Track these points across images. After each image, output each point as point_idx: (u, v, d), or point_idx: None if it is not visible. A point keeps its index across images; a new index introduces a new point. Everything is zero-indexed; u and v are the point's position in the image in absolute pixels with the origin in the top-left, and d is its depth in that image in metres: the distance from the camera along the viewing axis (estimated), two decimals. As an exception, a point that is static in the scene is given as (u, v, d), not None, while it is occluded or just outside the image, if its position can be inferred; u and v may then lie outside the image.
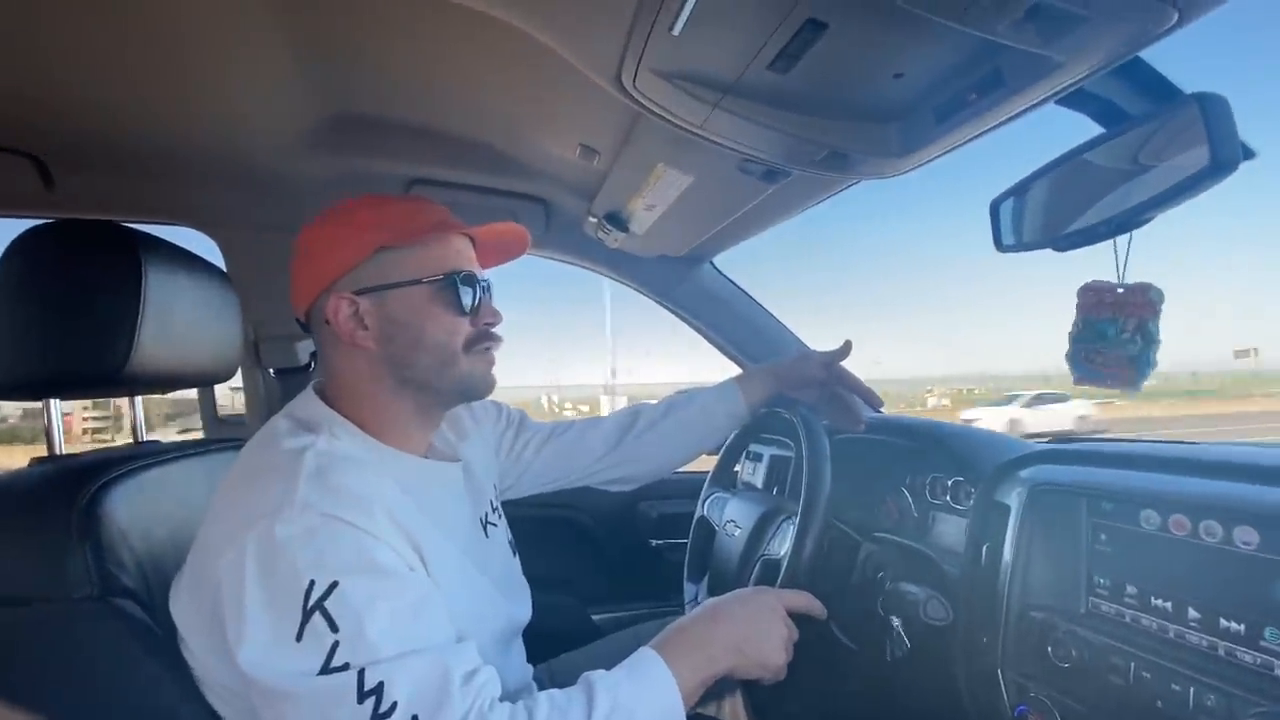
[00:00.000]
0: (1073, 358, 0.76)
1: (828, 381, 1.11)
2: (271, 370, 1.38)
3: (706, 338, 1.65)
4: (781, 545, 1.07)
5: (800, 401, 1.09)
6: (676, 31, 0.61)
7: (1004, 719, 0.81)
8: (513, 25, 0.72)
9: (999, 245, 0.88)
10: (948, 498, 1.12)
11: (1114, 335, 0.72)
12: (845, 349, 1.12)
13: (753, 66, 0.65)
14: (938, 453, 1.15)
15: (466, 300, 0.75)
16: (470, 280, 0.75)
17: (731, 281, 1.61)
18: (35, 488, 0.72)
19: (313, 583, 0.56)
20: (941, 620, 0.88)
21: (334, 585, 0.56)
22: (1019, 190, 0.85)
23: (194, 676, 0.68)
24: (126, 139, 1.10)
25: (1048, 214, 0.80)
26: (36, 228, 0.77)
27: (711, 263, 1.58)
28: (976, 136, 0.73)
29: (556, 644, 1.13)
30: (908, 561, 1.03)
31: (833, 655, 1.13)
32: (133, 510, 0.73)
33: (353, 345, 0.73)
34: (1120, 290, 0.69)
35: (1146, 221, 0.68)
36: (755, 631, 0.75)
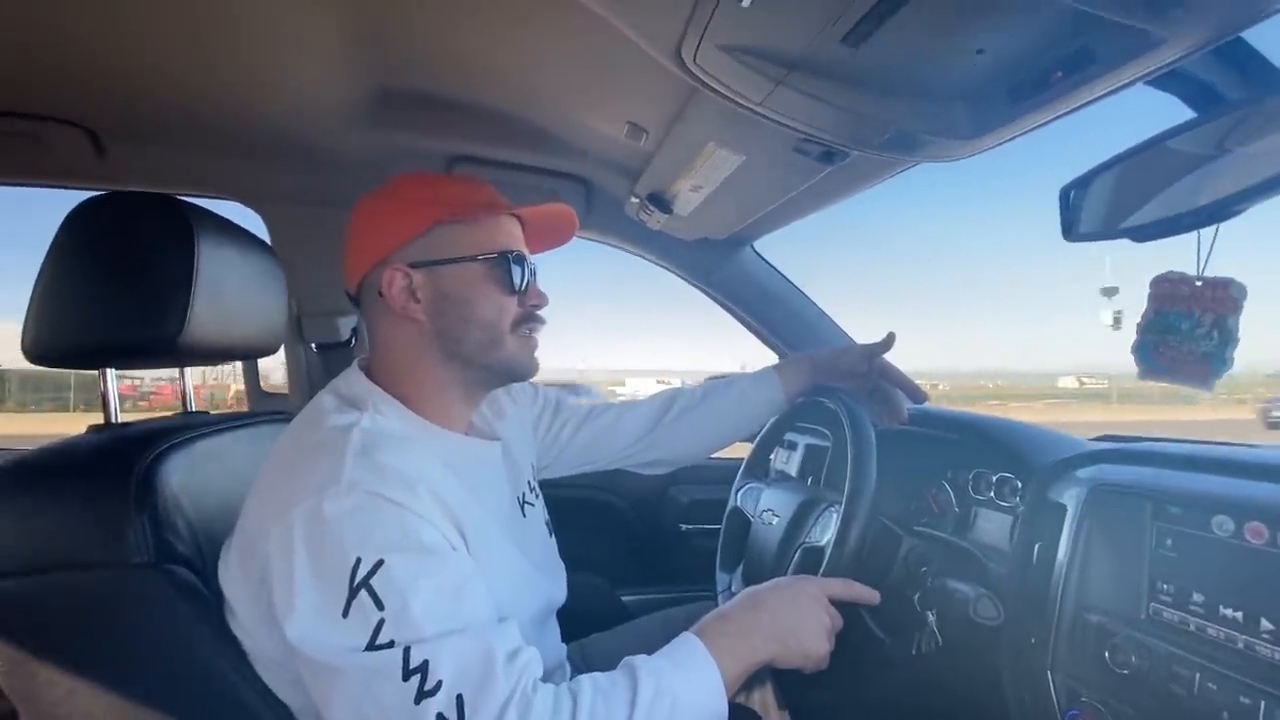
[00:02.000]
0: (1140, 349, 0.73)
1: (869, 374, 1.09)
2: (314, 345, 1.39)
3: (744, 324, 1.62)
4: (824, 533, 1.05)
5: (841, 390, 1.07)
6: (747, 3, 0.59)
7: None
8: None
9: (1068, 234, 0.84)
10: (991, 494, 1.10)
11: (1188, 330, 0.69)
12: (889, 341, 1.10)
13: (824, 40, 0.62)
14: (982, 447, 1.12)
15: (517, 279, 0.75)
16: (521, 260, 0.76)
17: (773, 266, 1.58)
18: (94, 455, 0.73)
19: (359, 560, 0.56)
20: (993, 620, 0.86)
21: (380, 563, 0.57)
22: (1093, 177, 0.81)
23: (242, 647, 0.69)
24: (176, 111, 1.11)
25: (1125, 202, 0.76)
26: (93, 198, 0.78)
27: (752, 246, 1.55)
28: (1052, 120, 0.70)
29: (587, 624, 1.14)
30: (951, 557, 1.01)
31: (866, 648, 1.12)
32: (185, 480, 0.75)
33: (405, 317, 0.74)
34: (1199, 284, 0.66)
35: (1238, 214, 0.64)
36: (798, 620, 0.75)
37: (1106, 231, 0.78)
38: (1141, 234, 0.73)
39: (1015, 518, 1.00)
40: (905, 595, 1.01)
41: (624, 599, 1.64)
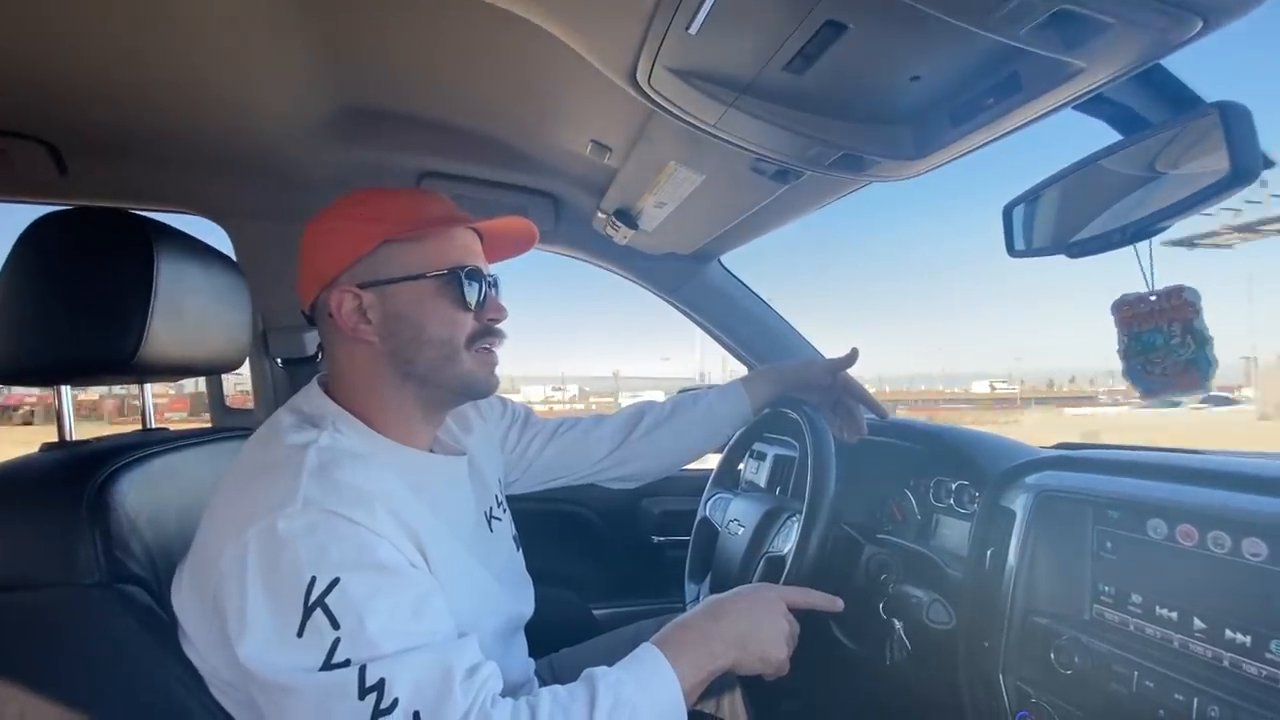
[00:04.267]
0: (1131, 374, 0.75)
1: (834, 388, 1.12)
2: (279, 360, 1.38)
3: (713, 336, 1.64)
4: (786, 543, 1.07)
5: (805, 401, 1.10)
6: (694, 30, 0.61)
7: None
8: (528, 21, 0.72)
9: (1011, 250, 0.88)
10: (951, 501, 1.13)
11: (1164, 343, 0.70)
12: (852, 356, 1.12)
13: (769, 67, 0.65)
14: (942, 456, 1.15)
15: (470, 295, 0.74)
16: (475, 275, 0.75)
17: (739, 280, 1.61)
18: (47, 474, 0.72)
19: (314, 579, 0.56)
20: (944, 624, 0.89)
21: (335, 582, 0.56)
22: (1032, 195, 0.84)
23: (196, 669, 0.68)
24: (140, 126, 1.10)
25: (1061, 220, 0.80)
26: (50, 215, 0.78)
27: (719, 261, 1.58)
28: (992, 141, 0.73)
29: (558, 638, 1.13)
30: (911, 564, 1.03)
31: (833, 656, 1.13)
32: (141, 498, 0.74)
33: (356, 339, 0.73)
34: (1154, 298, 0.69)
35: (1163, 229, 0.67)
36: (756, 627, 0.76)
37: (1044, 248, 0.82)
38: (1078, 250, 0.76)
39: (972, 524, 1.02)
40: (870, 603, 1.02)
41: (595, 612, 1.64)
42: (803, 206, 1.14)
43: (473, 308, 0.75)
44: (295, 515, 0.58)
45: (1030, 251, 0.86)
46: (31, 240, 0.76)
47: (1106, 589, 0.76)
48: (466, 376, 0.76)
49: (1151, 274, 0.71)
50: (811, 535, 0.94)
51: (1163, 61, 0.61)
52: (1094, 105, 0.67)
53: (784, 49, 0.61)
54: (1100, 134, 0.72)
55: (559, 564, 1.65)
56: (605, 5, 0.64)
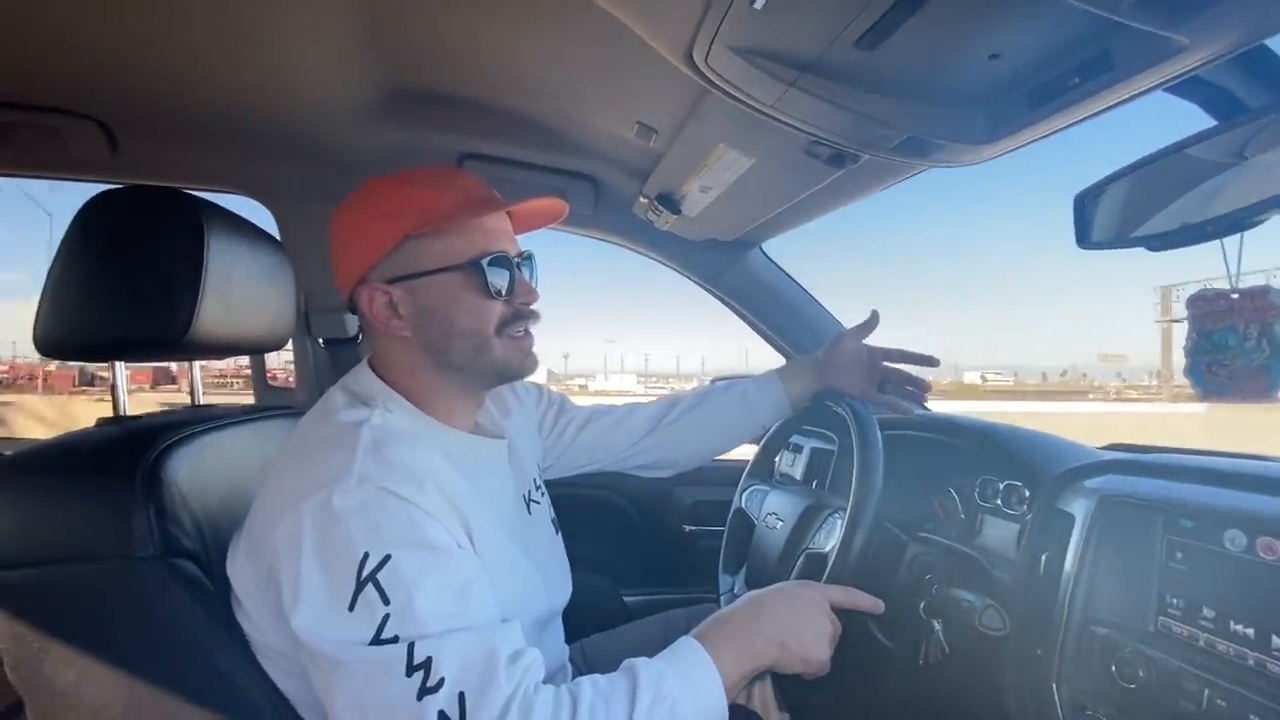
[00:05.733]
0: (1193, 372, 0.71)
1: (872, 362, 1.08)
2: (321, 340, 1.39)
3: (752, 325, 1.61)
4: (828, 540, 1.04)
5: (847, 392, 1.07)
6: (760, 5, 0.58)
7: None
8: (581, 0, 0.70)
9: (1082, 242, 0.83)
10: (998, 501, 1.08)
11: (1236, 345, 0.67)
12: (873, 320, 1.09)
13: (838, 43, 0.61)
14: (990, 454, 1.11)
15: (496, 283, 0.73)
16: (500, 261, 0.74)
17: (781, 269, 1.57)
18: (102, 449, 0.74)
19: (367, 554, 0.57)
20: (999, 630, 0.86)
21: (387, 558, 0.57)
22: (1108, 184, 0.80)
23: (247, 638, 0.69)
24: (190, 105, 1.11)
25: (1140, 211, 0.75)
26: (103, 193, 0.79)
27: (761, 248, 1.54)
28: (1070, 125, 0.68)
29: (588, 623, 1.14)
30: (956, 565, 1.00)
31: (867, 653, 1.11)
32: (192, 473, 0.75)
33: (389, 334, 0.74)
34: (1234, 296, 0.64)
35: (1259, 223, 0.63)
36: (799, 626, 0.74)
37: (1121, 240, 0.77)
38: (1157, 243, 0.72)
39: (1022, 526, 0.99)
40: (909, 602, 1.00)
41: (626, 599, 1.64)
42: (854, 192, 1.10)
43: (500, 295, 0.74)
44: (350, 491, 0.59)
45: (1105, 244, 0.81)
46: (87, 218, 0.77)
47: (1175, 601, 0.72)
48: (500, 363, 0.76)
49: (1238, 271, 0.67)
50: (856, 534, 0.92)
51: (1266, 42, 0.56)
52: (1188, 87, 0.62)
53: (856, 23, 0.58)
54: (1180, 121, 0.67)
55: (590, 549, 1.65)
56: None
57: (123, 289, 0.77)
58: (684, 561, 1.70)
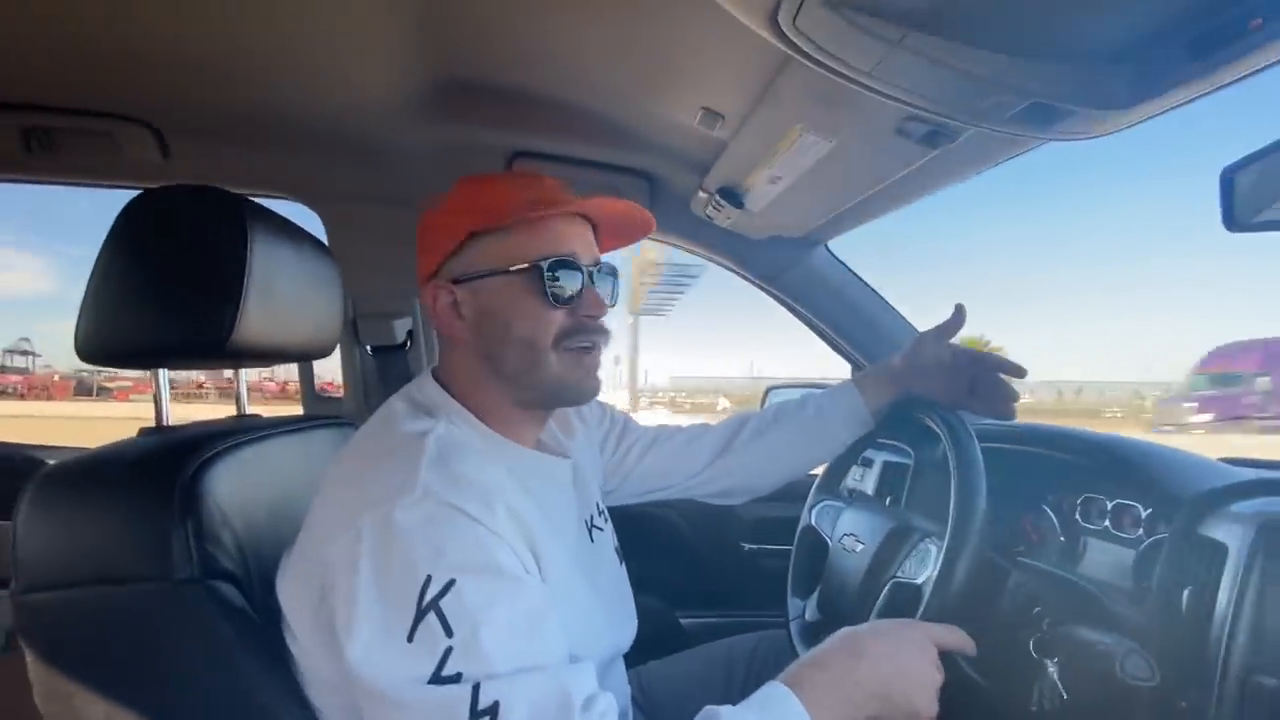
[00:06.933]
0: None
1: (959, 364, 0.96)
2: (369, 348, 1.36)
3: (815, 329, 1.51)
4: (920, 569, 0.93)
5: (936, 401, 0.96)
6: (867, -55, 0.49)
7: None
8: None
9: (1232, 224, 0.71)
10: (1107, 523, 0.96)
11: None
12: (959, 317, 0.97)
13: (963, -13, 0.52)
14: (1096, 469, 0.99)
15: (558, 290, 0.68)
16: (564, 265, 0.68)
17: (848, 268, 1.46)
18: (141, 461, 0.71)
19: (429, 578, 0.52)
20: (1145, 680, 0.73)
21: (451, 583, 0.52)
22: (1264, 156, 0.68)
23: (294, 666, 0.65)
24: (239, 107, 1.11)
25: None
26: (145, 192, 0.76)
27: (826, 246, 1.44)
28: (1238, 79, 0.57)
29: (644, 649, 1.05)
30: (1067, 596, 0.88)
31: (958, 694, 0.99)
32: (233, 489, 0.72)
33: (451, 336, 0.71)
34: None
35: None
36: (904, 674, 0.65)
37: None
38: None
39: (1138, 552, 0.87)
40: (1015, 638, 0.88)
41: (683, 621, 1.55)
42: (941, 179, 1.00)
43: (560, 303, 0.68)
44: (413, 505, 0.55)
45: (1258, 225, 0.70)
46: (130, 218, 0.75)
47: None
48: (555, 381, 0.70)
49: None
50: (957, 565, 0.81)
51: None
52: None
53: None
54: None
55: (643, 568, 1.56)
56: None
57: (164, 291, 0.74)
58: (744, 582, 1.60)
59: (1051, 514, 1.03)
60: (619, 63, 0.99)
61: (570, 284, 0.68)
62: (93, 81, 1.03)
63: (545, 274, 0.67)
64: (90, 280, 0.74)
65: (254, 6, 0.85)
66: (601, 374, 0.74)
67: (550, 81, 1.09)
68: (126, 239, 0.74)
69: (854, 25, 0.58)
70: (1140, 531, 0.89)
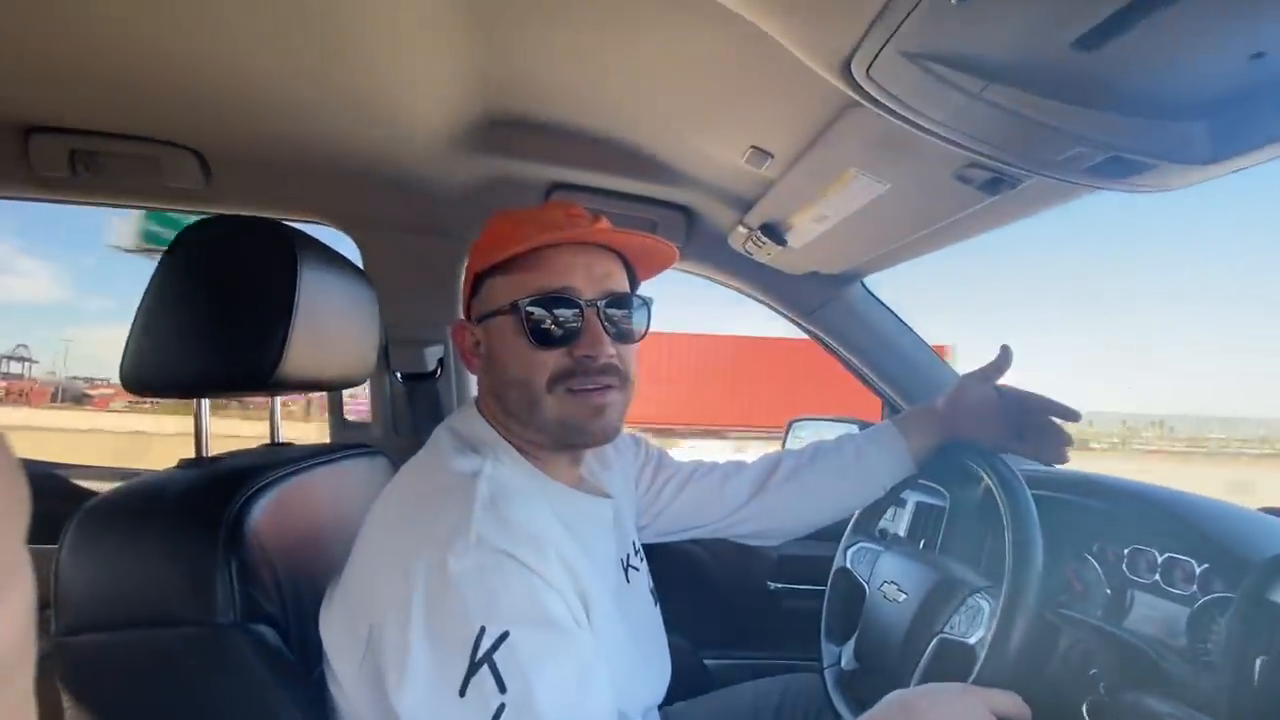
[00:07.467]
0: None
1: (1006, 407, 0.94)
2: (399, 374, 1.35)
3: (849, 366, 1.48)
4: (971, 628, 0.90)
5: (983, 446, 0.93)
6: (957, 1, 0.48)
7: None
8: (701, 14, 0.63)
9: None
10: (1157, 577, 0.92)
11: None
12: (1005, 358, 0.95)
13: (1049, 44, 0.51)
14: (1144, 520, 0.95)
15: (542, 329, 0.65)
16: (552, 303, 0.64)
17: (884, 304, 1.45)
18: (184, 497, 0.70)
19: (483, 629, 0.51)
20: (1224, 762, 0.69)
21: (504, 636, 0.51)
22: None
23: (333, 709, 0.64)
24: (283, 135, 1.11)
25: None
26: (198, 223, 0.77)
27: (862, 282, 1.42)
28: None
29: (668, 690, 1.02)
30: (1120, 657, 0.85)
31: None
32: (274, 525, 0.71)
33: (475, 374, 0.74)
34: None
35: None
36: None
37: None
38: None
39: (1193, 610, 0.84)
40: (1068, 701, 0.84)
41: (706, 661, 1.51)
42: (998, 220, 0.98)
43: (547, 342, 0.65)
44: (467, 552, 0.54)
45: None
46: (182, 248, 0.75)
47: None
48: (555, 422, 0.66)
49: None
50: (1014, 625, 0.78)
51: None
52: None
53: (1081, 18, 0.47)
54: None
55: (666, 604, 1.54)
56: None
57: (212, 323, 0.74)
58: (769, 623, 1.56)
59: (1096, 564, 1.00)
60: (666, 99, 0.98)
61: (561, 321, 0.65)
62: (141, 108, 1.04)
63: (524, 312, 0.64)
64: (139, 311, 0.74)
65: (309, 42, 0.85)
66: (617, 413, 0.69)
67: (592, 116, 1.09)
68: (178, 270, 0.74)
69: (932, 75, 0.57)
70: (1194, 588, 0.86)
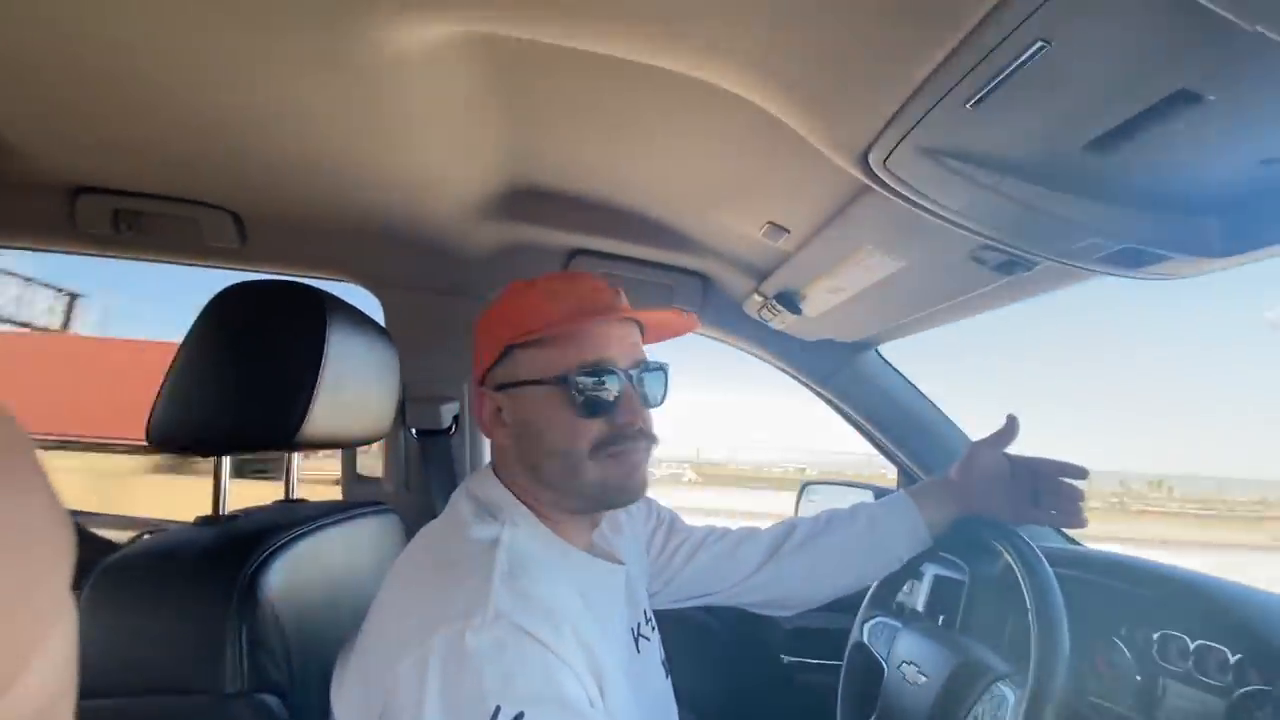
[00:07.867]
0: None
1: (1017, 475, 0.93)
2: (414, 430, 1.36)
3: (863, 432, 1.48)
4: (995, 718, 0.86)
5: (1001, 518, 0.91)
6: (971, 105, 0.51)
7: None
8: (725, 100, 0.66)
9: None
10: (1190, 665, 0.88)
11: None
12: (1011, 428, 0.94)
13: (1062, 146, 0.53)
14: (1173, 603, 0.92)
15: (591, 400, 0.67)
16: (599, 373, 0.67)
17: (897, 370, 1.45)
18: (201, 558, 0.70)
19: (498, 709, 0.51)
20: None
21: (519, 717, 0.51)
22: None
23: None
24: (317, 199, 1.15)
25: None
26: (233, 286, 0.79)
27: (877, 350, 1.44)
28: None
29: None
30: None
31: None
32: (286, 588, 0.71)
33: (497, 442, 0.73)
34: None
35: None
36: None
37: None
38: None
39: (1230, 702, 0.80)
40: None
41: (715, 740, 1.45)
42: (1008, 299, 0.99)
43: (594, 413, 0.67)
44: (484, 628, 0.54)
45: None
46: (215, 311, 0.77)
47: None
48: (595, 486, 0.68)
49: None
50: (1042, 718, 0.75)
51: None
52: None
53: (1096, 123, 0.50)
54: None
55: (675, 675, 1.49)
56: (857, 81, 0.55)
57: (241, 383, 0.76)
58: (781, 699, 1.50)
59: (1125, 649, 0.96)
60: (687, 177, 1.02)
61: (605, 392, 0.67)
62: (183, 172, 1.08)
63: (575, 385, 0.66)
64: (170, 368, 0.75)
65: (349, 118, 0.88)
66: (645, 471, 0.72)
67: (614, 190, 1.13)
68: (211, 332, 0.76)
69: (947, 169, 0.59)
70: (1229, 679, 0.82)
